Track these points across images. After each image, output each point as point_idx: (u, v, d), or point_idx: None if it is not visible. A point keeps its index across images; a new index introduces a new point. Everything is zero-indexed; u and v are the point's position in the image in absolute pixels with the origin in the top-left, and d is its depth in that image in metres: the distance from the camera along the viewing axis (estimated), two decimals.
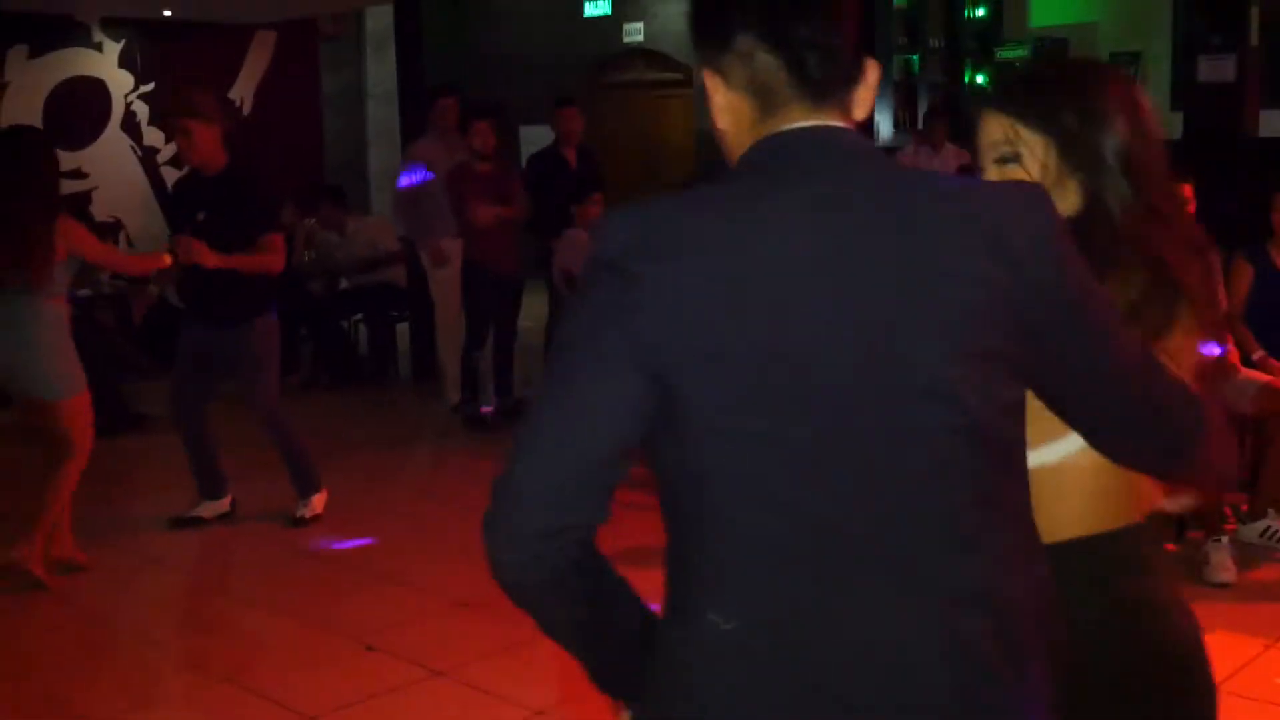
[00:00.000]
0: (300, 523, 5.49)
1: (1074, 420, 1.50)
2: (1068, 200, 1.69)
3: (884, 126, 12.33)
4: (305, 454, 5.54)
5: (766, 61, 1.42)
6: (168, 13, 9.96)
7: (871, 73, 1.47)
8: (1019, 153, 1.71)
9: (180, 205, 5.52)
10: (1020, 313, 1.36)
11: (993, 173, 1.74)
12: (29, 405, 4.92)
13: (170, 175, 10.48)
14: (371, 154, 12.26)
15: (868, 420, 1.33)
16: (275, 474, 5.61)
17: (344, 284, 9.25)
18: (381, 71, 11.71)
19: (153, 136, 10.35)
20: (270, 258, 5.23)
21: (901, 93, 12.77)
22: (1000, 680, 1.35)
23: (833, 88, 1.43)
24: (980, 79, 13.12)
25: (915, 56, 12.84)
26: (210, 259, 5.08)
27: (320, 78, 11.45)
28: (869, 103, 1.47)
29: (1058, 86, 1.74)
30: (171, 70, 10.31)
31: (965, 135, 10.62)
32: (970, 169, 6.90)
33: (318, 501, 5.58)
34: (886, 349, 1.32)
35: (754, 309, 1.32)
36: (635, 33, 12.76)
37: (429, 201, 7.55)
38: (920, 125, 12.20)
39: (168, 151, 10.43)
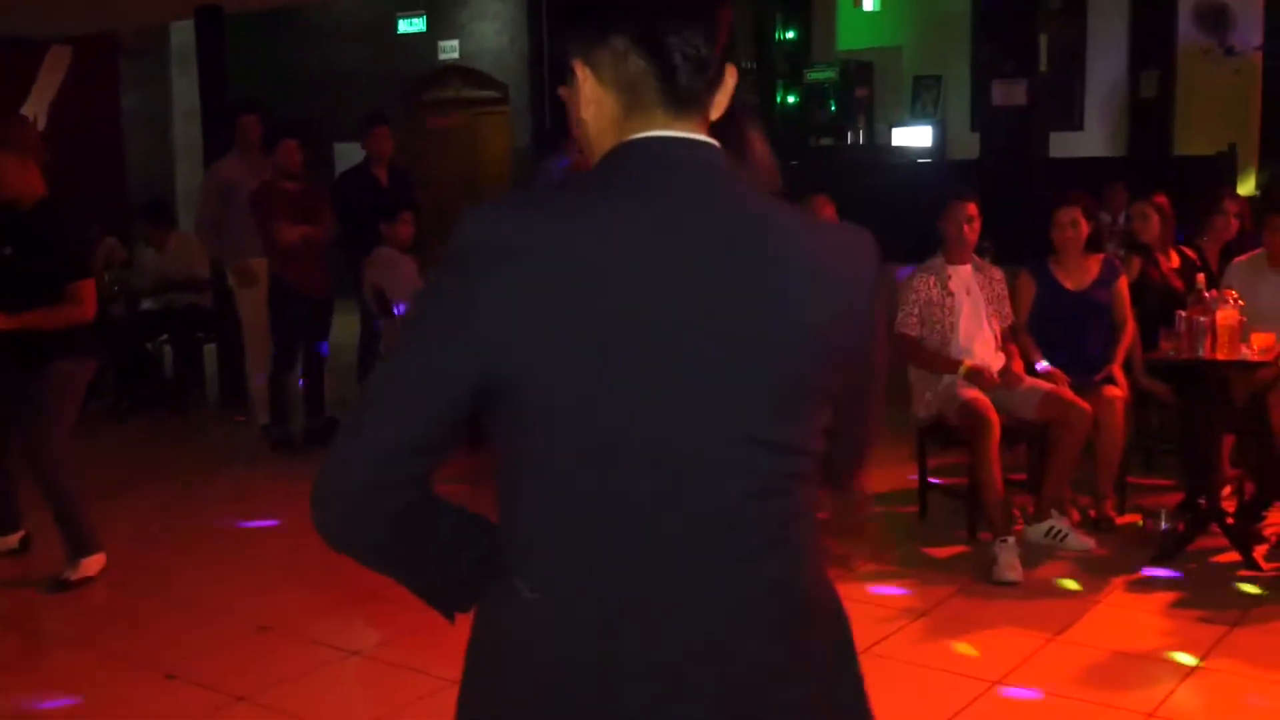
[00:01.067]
0: (65, 586, 4.98)
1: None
2: None
3: None
4: (79, 515, 5.06)
5: (638, 65, 1.47)
6: None
7: (730, 78, 1.53)
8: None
9: None
10: (838, 349, 1.50)
11: None
12: None
13: None
14: (179, 171, 11.94)
15: (686, 443, 1.42)
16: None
17: (146, 304, 8.96)
18: (187, 88, 11.42)
19: None
20: (76, 310, 4.90)
21: None
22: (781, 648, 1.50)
23: (698, 96, 1.49)
24: (791, 99, 13.48)
25: None
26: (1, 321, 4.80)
27: (120, 94, 11.11)
28: (724, 106, 1.53)
29: None
30: None
31: (780, 155, 10.88)
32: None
33: (90, 564, 5.08)
34: (711, 370, 1.42)
35: (590, 312, 1.38)
36: (450, 50, 12.72)
37: (234, 220, 7.40)
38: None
39: None
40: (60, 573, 5.06)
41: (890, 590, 4.80)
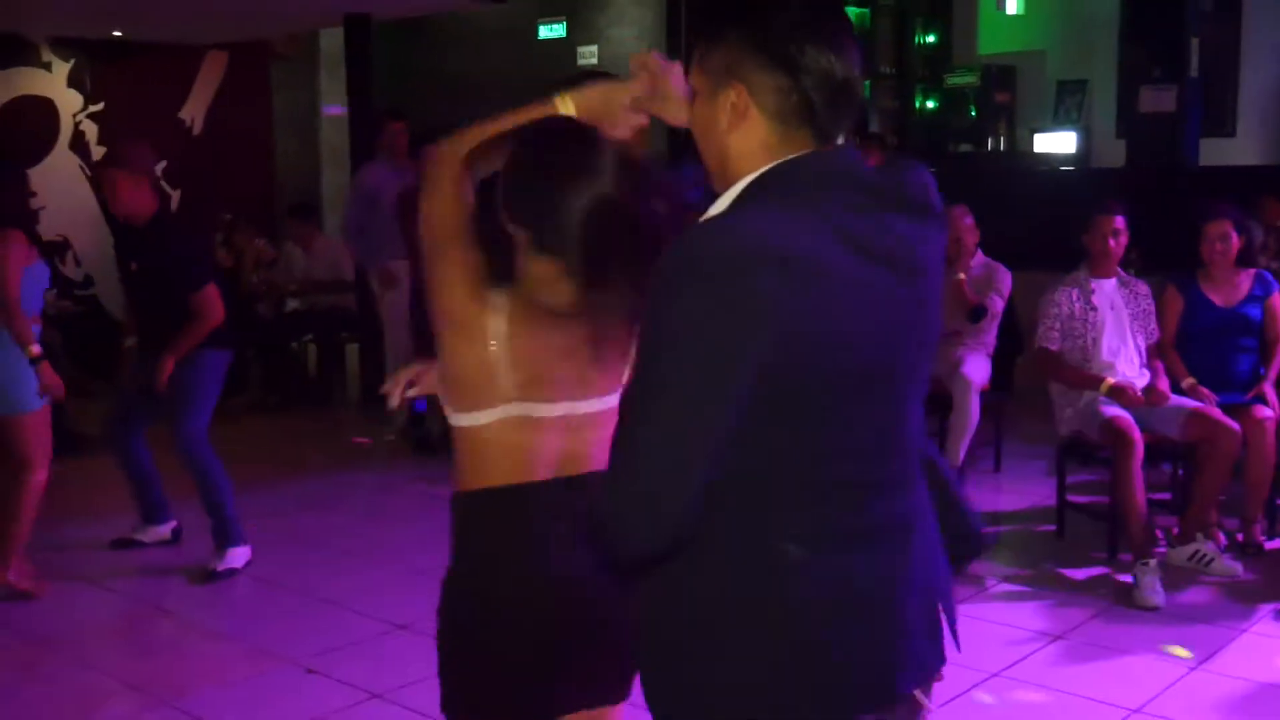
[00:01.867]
0: (212, 576, 5.19)
1: None
2: None
3: None
4: (225, 505, 5.26)
5: (801, 101, 1.59)
6: (118, 33, 9.93)
7: None
8: None
9: (118, 251, 5.51)
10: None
11: None
12: None
13: None
14: (324, 175, 12.25)
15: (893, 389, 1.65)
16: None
17: (292, 305, 9.23)
18: (335, 92, 11.71)
19: (101, 155, 10.31)
20: (202, 322, 5.18)
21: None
22: None
23: (840, 129, 1.64)
24: (931, 104, 13.29)
25: (867, 83, 12.99)
26: (160, 379, 5.11)
27: (272, 98, 11.44)
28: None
29: None
30: (121, 90, 10.29)
31: (922, 161, 10.69)
32: None
33: (236, 556, 5.28)
34: (900, 347, 1.63)
35: (833, 299, 1.54)
36: (589, 55, 12.82)
37: (378, 224, 7.58)
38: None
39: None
40: (208, 563, 5.25)
41: (1025, 612, 4.72)
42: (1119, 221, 5.34)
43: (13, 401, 4.90)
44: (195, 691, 4.12)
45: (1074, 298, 5.36)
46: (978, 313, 6.26)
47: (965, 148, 13.07)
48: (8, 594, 4.95)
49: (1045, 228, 9.25)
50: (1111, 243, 5.32)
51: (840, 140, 1.64)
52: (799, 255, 1.50)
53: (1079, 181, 10.79)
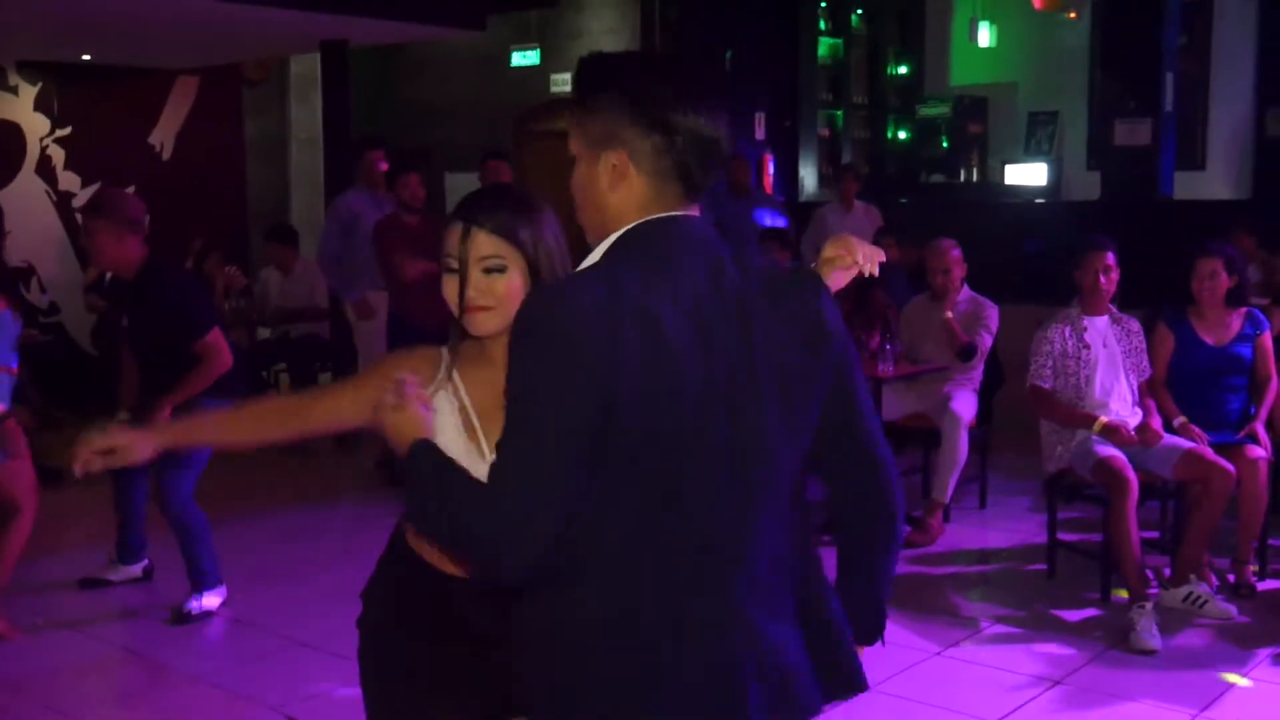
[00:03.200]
0: (187, 618, 5.03)
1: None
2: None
3: (809, 181, 12.44)
4: (204, 550, 5.10)
5: (676, 161, 1.77)
6: (86, 56, 9.77)
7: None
8: (506, 265, 2.17)
9: (110, 304, 5.27)
10: (825, 383, 1.87)
11: (482, 281, 2.16)
12: None
13: None
14: (294, 200, 12.10)
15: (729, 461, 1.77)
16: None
17: (264, 333, 9.08)
18: (305, 117, 11.58)
19: (68, 181, 10.12)
20: (210, 366, 4.89)
21: (825, 148, 12.91)
22: None
23: (706, 185, 1.81)
24: (903, 135, 13.31)
25: (839, 112, 12.99)
26: (154, 433, 4.84)
27: (244, 123, 11.30)
28: None
29: (519, 208, 2.21)
30: (90, 114, 10.11)
31: (891, 191, 10.70)
32: (882, 231, 6.99)
33: (212, 598, 5.13)
34: (740, 408, 1.75)
35: (668, 357, 1.69)
36: (563, 83, 12.76)
37: (355, 254, 7.46)
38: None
39: (84, 195, 10.19)
40: (182, 604, 5.10)
41: (1021, 656, 4.64)
42: (1110, 257, 5.31)
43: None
44: None
45: (1066, 335, 5.31)
46: (968, 351, 6.21)
47: (937, 178, 13.08)
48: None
49: (1021, 260, 9.27)
50: (1103, 279, 5.28)
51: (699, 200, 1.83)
52: (634, 316, 1.66)
53: (1054, 213, 10.80)
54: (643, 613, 1.74)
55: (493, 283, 2.18)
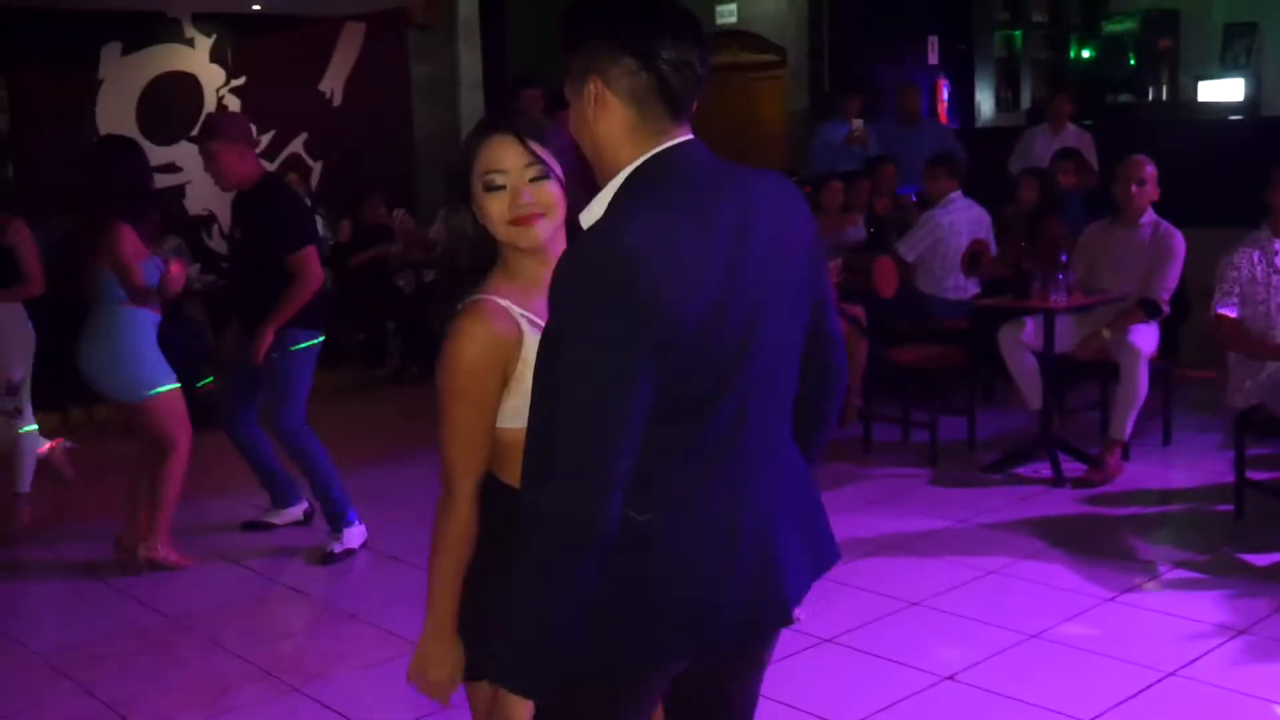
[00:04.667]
0: (330, 559, 5.15)
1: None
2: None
3: (985, 106, 11.97)
4: (331, 487, 5.20)
5: (649, 81, 1.83)
6: (256, 6, 9.97)
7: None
8: (549, 172, 2.12)
9: (231, 225, 5.51)
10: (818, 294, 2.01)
11: (530, 189, 2.10)
12: (119, 407, 5.26)
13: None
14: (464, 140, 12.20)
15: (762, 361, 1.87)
16: (364, 475, 5.53)
17: (431, 276, 9.18)
18: (473, 60, 11.62)
19: (198, 131, 10.37)
20: (299, 287, 5.07)
21: (1003, 70, 12.39)
22: None
23: (691, 104, 1.87)
24: (1086, 54, 12.69)
25: (1018, 32, 12.45)
26: (257, 351, 5.06)
27: (410, 67, 11.40)
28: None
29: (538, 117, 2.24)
30: (262, 64, 10.34)
31: (1079, 115, 10.16)
32: (1059, 155, 6.52)
33: (351, 536, 5.23)
34: (766, 314, 1.86)
35: (701, 284, 1.76)
36: (728, 14, 12.52)
37: None
38: (1028, 105, 11.83)
39: (260, 143, 10.46)
40: (325, 545, 5.23)
41: (1203, 603, 4.35)
42: None
43: (142, 386, 4.99)
44: (327, 679, 4.04)
45: (1255, 260, 4.94)
46: (1153, 309, 5.83)
47: (1124, 99, 12.43)
48: (157, 568, 5.05)
49: (1214, 181, 8.70)
50: None
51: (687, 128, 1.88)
52: (670, 251, 1.73)
53: (1251, 131, 10.13)
54: (696, 526, 1.85)
55: (540, 190, 2.12)
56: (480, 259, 2.19)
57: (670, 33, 1.84)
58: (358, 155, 10.56)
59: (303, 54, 10.57)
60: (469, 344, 2.10)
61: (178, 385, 5.11)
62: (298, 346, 5.17)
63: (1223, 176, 8.81)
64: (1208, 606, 4.31)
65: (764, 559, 1.92)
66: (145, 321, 5.02)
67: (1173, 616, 4.23)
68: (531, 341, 2.06)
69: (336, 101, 10.82)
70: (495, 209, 2.11)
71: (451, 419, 2.14)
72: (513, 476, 2.08)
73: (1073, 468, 5.89)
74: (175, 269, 5.09)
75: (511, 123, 2.15)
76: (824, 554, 2.08)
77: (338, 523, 5.24)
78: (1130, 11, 12.27)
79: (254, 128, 5.31)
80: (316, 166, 10.64)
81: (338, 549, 5.20)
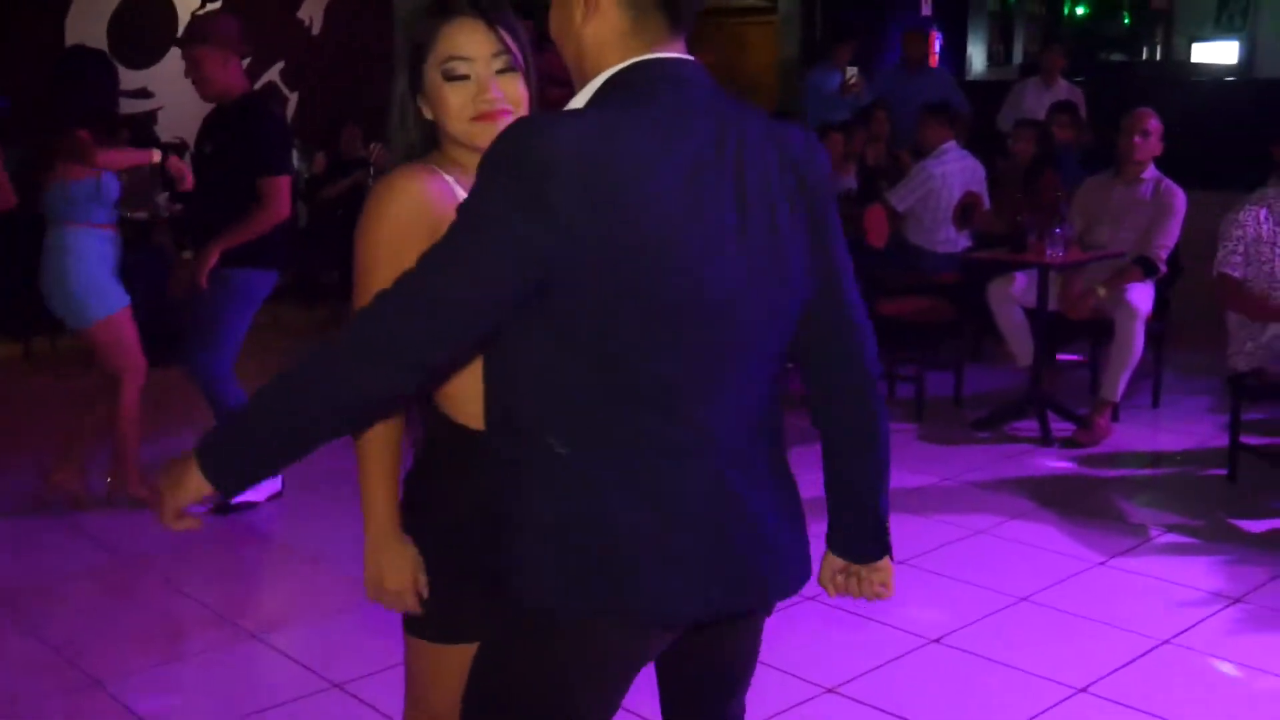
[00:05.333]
0: (226, 510, 4.72)
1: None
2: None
3: (977, 59, 11.76)
4: None
5: None
6: None
7: None
8: (517, 67, 1.92)
9: (199, 140, 4.95)
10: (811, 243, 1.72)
11: (498, 81, 1.89)
12: (77, 335, 5.00)
13: None
14: None
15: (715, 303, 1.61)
16: None
17: None
18: None
19: (183, 30, 10.06)
20: (265, 213, 4.62)
21: (997, 24, 12.19)
22: None
23: (692, 18, 1.66)
24: (1080, 10, 12.52)
25: None
26: (202, 271, 4.60)
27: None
28: None
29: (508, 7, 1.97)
30: None
31: (1071, 71, 10.00)
32: (1057, 108, 6.32)
33: (259, 486, 4.64)
34: (739, 268, 1.62)
35: (635, 213, 1.53)
36: None
37: None
38: (1020, 59, 11.65)
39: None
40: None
41: (1196, 569, 4.23)
42: None
43: (90, 312, 4.74)
44: (284, 627, 3.87)
45: (1261, 219, 4.78)
46: (1150, 267, 5.67)
47: (1117, 57, 12.28)
48: (137, 505, 4.82)
49: (1207, 145, 8.54)
50: None
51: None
52: (612, 164, 1.51)
53: (1246, 93, 9.97)
54: (619, 481, 1.61)
55: (508, 83, 1.89)
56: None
57: None
58: (336, 86, 10.27)
59: None
60: (390, 204, 1.85)
61: (127, 306, 4.81)
62: (241, 280, 4.69)
63: (1216, 138, 8.66)
64: (1201, 573, 4.18)
65: (729, 523, 1.66)
66: (96, 241, 4.72)
67: (1165, 582, 4.10)
68: None
69: (315, 29, 10.52)
70: (455, 101, 1.88)
71: (367, 296, 1.69)
72: (468, 413, 1.87)
73: (1061, 427, 5.76)
74: (175, 161, 4.86)
75: (476, 2, 1.89)
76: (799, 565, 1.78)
77: None
78: None
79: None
80: (293, 97, 10.34)
81: (237, 499, 4.72)
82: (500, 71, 1.89)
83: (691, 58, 1.66)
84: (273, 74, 10.20)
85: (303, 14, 10.46)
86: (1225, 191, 5.78)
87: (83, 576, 4.29)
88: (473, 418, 1.85)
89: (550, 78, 6.72)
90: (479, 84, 1.87)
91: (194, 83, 4.77)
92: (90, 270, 4.71)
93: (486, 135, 1.76)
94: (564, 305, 1.55)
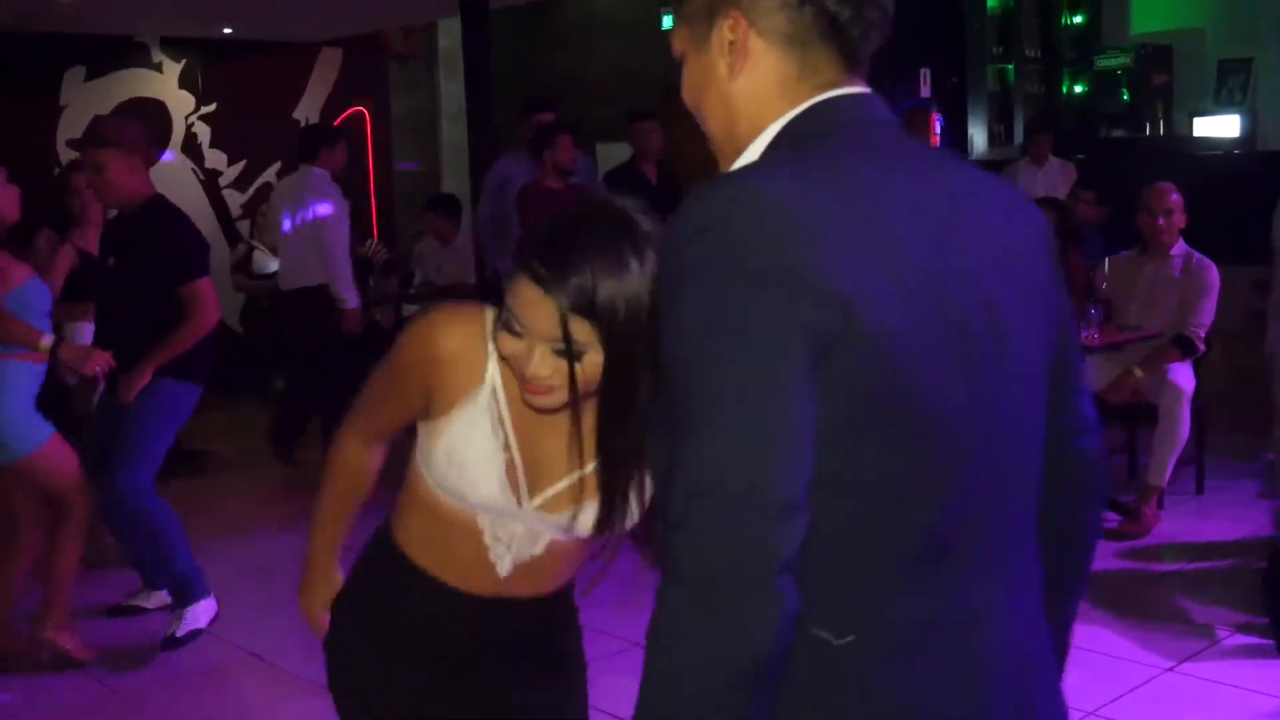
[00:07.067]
0: (173, 643, 4.38)
1: None
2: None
3: (979, 139, 11.69)
4: (178, 554, 4.43)
5: (817, 17, 1.28)
6: (227, 30, 9.57)
7: None
8: (587, 350, 1.59)
9: (102, 251, 4.64)
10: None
11: (550, 360, 1.60)
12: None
13: (234, 199, 10.10)
14: (445, 177, 11.84)
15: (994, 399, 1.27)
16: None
17: (410, 310, 8.72)
18: (455, 91, 11.30)
19: (214, 159, 9.96)
20: (193, 322, 4.35)
21: (996, 104, 12.15)
22: None
23: (868, 53, 1.32)
24: (1079, 89, 12.50)
25: (1010, 66, 12.23)
26: (129, 393, 4.30)
27: (390, 97, 11.01)
28: None
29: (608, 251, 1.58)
30: (233, 90, 9.93)
31: (1068, 148, 9.96)
32: (1079, 185, 6.22)
33: (198, 612, 4.47)
34: (998, 354, 1.27)
35: (902, 281, 1.19)
36: None
37: (508, 222, 7.07)
38: (1021, 139, 11.58)
39: (230, 173, 10.05)
40: (168, 628, 4.47)
41: (1271, 673, 3.93)
42: None
43: (17, 445, 4.16)
44: None
45: None
46: (1189, 347, 5.47)
47: (1118, 133, 12.22)
48: (59, 660, 4.27)
49: (1210, 217, 8.41)
50: None
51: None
52: (846, 222, 1.17)
53: (1250, 166, 9.88)
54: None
55: (557, 364, 1.61)
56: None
57: None
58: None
59: (276, 81, 10.18)
60: (420, 338, 1.78)
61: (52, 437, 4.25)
62: (165, 393, 4.38)
63: (1219, 211, 8.53)
64: (1277, 679, 3.90)
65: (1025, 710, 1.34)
66: (18, 375, 4.18)
67: (1242, 689, 3.81)
68: (483, 410, 1.75)
69: None
70: (504, 347, 1.66)
71: (371, 379, 1.91)
72: (406, 538, 1.90)
73: (1105, 517, 5.49)
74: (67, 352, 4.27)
75: (552, 282, 1.56)
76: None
77: (184, 597, 4.45)
78: (1123, 46, 12.11)
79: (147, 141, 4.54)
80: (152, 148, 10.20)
81: (182, 631, 4.43)
82: (555, 352, 1.61)
83: (869, 91, 1.35)
84: (269, 175, 10.08)
85: (298, 114, 10.37)
86: (1233, 265, 5.62)
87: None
88: (418, 556, 1.87)
89: (557, 168, 6.52)
90: (526, 351, 1.62)
91: (96, 188, 4.50)
92: (10, 401, 4.15)
93: (529, 399, 1.67)
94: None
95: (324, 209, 6.76)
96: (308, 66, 10.38)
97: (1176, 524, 5.48)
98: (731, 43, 1.31)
